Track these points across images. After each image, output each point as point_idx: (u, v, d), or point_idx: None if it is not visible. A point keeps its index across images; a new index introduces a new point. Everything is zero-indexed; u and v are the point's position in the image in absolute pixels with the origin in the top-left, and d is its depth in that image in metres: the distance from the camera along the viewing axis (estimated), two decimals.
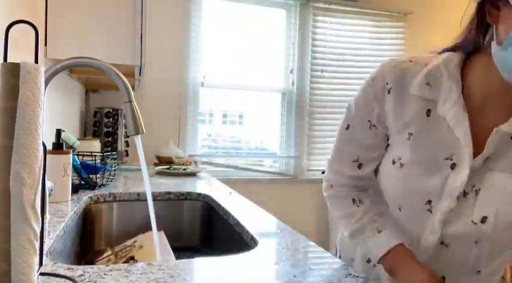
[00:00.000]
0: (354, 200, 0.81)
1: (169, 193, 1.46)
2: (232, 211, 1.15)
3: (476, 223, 0.68)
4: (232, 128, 3.27)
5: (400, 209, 0.76)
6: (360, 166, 0.81)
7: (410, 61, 0.74)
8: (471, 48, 0.69)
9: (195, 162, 2.52)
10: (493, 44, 0.63)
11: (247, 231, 0.96)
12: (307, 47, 3.19)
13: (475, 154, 0.68)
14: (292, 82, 3.18)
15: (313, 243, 0.86)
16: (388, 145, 0.78)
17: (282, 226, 1.03)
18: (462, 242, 0.72)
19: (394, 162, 0.74)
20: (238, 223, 1.05)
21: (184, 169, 2.13)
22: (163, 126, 2.79)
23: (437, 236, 0.72)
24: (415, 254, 0.73)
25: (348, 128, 0.82)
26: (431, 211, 0.72)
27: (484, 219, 0.67)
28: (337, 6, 3.28)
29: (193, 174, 2.08)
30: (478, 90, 0.68)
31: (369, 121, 0.77)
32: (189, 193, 1.47)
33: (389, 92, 0.73)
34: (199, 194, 1.47)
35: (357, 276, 0.68)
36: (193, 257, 1.25)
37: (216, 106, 3.14)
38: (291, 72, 3.17)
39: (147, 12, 1.72)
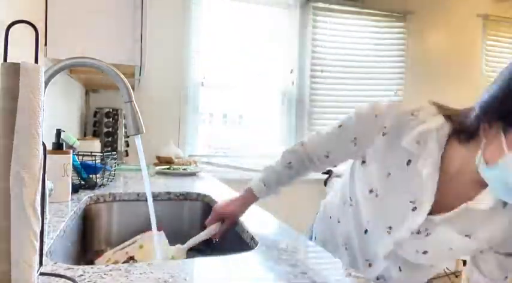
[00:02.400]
0: (292, 167, 1.03)
1: (169, 193, 1.46)
2: None
3: (418, 252, 0.89)
4: (232, 128, 3.26)
5: (368, 222, 0.95)
6: (326, 159, 0.99)
7: (412, 115, 0.84)
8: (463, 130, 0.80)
9: (195, 162, 2.52)
10: (480, 157, 0.74)
11: (247, 231, 0.96)
12: (307, 47, 3.20)
13: (437, 209, 0.83)
14: (292, 82, 3.18)
15: (312, 243, 0.86)
16: (363, 161, 0.93)
17: (282, 226, 1.03)
18: (400, 263, 0.94)
19: (371, 191, 0.91)
20: (238, 223, 1.05)
21: (184, 169, 2.13)
22: (163, 126, 2.79)
23: (388, 252, 0.92)
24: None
25: (340, 127, 0.95)
26: (390, 233, 0.91)
27: (425, 252, 0.88)
28: (337, 6, 3.28)
29: (193, 174, 2.08)
30: (456, 162, 0.81)
31: (355, 138, 0.92)
32: (189, 193, 1.47)
33: (383, 135, 0.86)
34: (199, 194, 1.47)
35: (357, 276, 0.68)
36: (193, 257, 1.26)
37: (216, 106, 3.14)
38: (291, 72, 3.17)
39: (147, 12, 1.72)
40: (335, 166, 1.06)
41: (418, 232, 0.86)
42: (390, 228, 0.90)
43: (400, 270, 0.95)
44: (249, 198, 1.07)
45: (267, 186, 1.04)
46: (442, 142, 0.81)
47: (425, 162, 0.81)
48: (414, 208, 0.84)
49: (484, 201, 0.79)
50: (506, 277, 0.89)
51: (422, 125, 0.82)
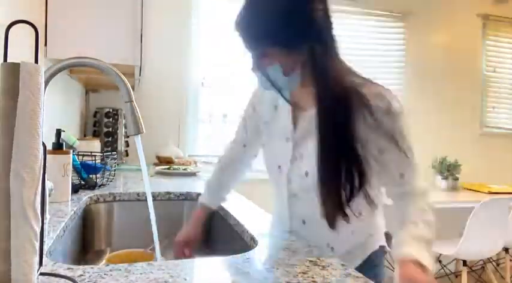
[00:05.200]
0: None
1: (169, 193, 1.46)
2: (232, 211, 1.15)
3: (303, 177, 0.94)
4: (232, 128, 3.26)
5: (269, 171, 1.06)
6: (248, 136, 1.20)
7: None
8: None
9: (195, 162, 2.52)
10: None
11: (247, 231, 0.96)
12: None
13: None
14: None
15: (312, 243, 0.86)
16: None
17: (282, 226, 1.02)
18: (302, 194, 0.97)
19: (263, 145, 1.09)
20: (238, 223, 1.05)
21: (184, 169, 2.13)
22: (164, 126, 2.79)
23: (286, 190, 0.99)
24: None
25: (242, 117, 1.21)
26: (281, 173, 1.00)
27: (306, 173, 0.93)
28: (337, 6, 3.28)
29: (193, 174, 2.08)
30: (298, 93, 0.96)
31: (254, 108, 1.15)
32: (189, 193, 1.47)
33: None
34: (199, 194, 1.46)
35: (357, 276, 0.68)
36: (193, 257, 1.25)
37: (216, 106, 3.14)
38: None
39: (147, 13, 1.72)
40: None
41: (296, 159, 0.96)
42: (279, 167, 1.00)
43: (304, 223, 1.00)
44: (198, 213, 1.23)
45: (207, 186, 1.23)
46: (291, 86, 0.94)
47: (282, 102, 1.00)
48: (287, 139, 0.98)
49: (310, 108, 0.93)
50: (402, 175, 0.90)
51: None
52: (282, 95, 0.94)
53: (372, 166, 0.90)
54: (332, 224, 0.90)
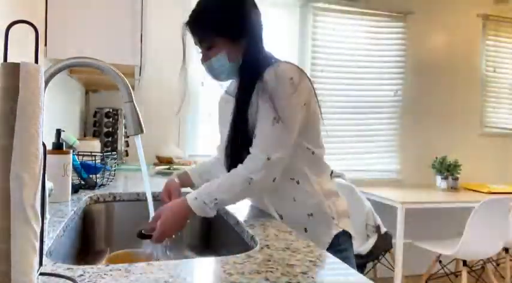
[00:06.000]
0: None
1: None
2: (232, 211, 1.15)
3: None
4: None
5: None
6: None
7: None
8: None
9: (195, 162, 2.52)
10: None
11: (247, 231, 0.96)
12: (307, 47, 3.20)
13: None
14: None
15: (312, 243, 0.86)
16: None
17: (282, 226, 1.02)
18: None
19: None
20: (238, 223, 1.05)
21: None
22: (163, 126, 2.79)
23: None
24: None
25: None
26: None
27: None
28: (337, 6, 3.28)
29: None
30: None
31: None
32: (188, 193, 1.47)
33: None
34: None
35: (357, 277, 0.68)
36: (193, 257, 1.25)
37: (216, 106, 3.13)
38: None
39: (146, 12, 1.72)
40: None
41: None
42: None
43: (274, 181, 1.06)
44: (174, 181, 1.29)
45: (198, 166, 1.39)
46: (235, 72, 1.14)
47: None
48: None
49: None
50: (255, 135, 1.07)
51: None
52: (221, 85, 1.21)
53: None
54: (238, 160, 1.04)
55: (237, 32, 1.09)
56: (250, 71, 1.07)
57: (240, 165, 1.04)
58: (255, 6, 1.13)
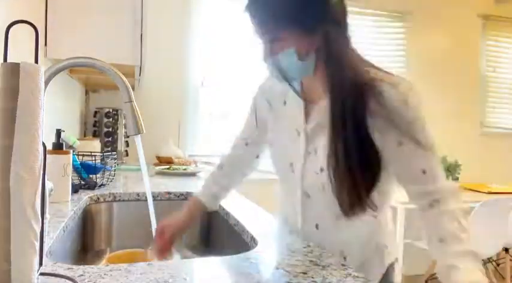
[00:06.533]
0: None
1: (169, 193, 1.46)
2: (232, 211, 1.15)
3: (317, 173, 0.88)
4: (233, 128, 3.25)
5: (277, 173, 1.02)
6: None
7: None
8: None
9: (195, 162, 2.52)
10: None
11: (247, 231, 0.96)
12: None
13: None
14: None
15: (312, 243, 0.86)
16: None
17: (282, 226, 1.02)
18: (316, 192, 0.91)
19: (271, 145, 1.02)
20: (238, 223, 1.05)
21: (184, 169, 2.13)
22: (163, 126, 2.79)
23: (299, 189, 0.93)
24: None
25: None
26: (293, 171, 0.94)
27: (321, 169, 0.87)
28: None
29: (193, 174, 2.08)
30: (309, 85, 0.93)
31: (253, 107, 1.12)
32: (189, 193, 1.47)
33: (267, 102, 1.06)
34: None
35: (357, 276, 0.68)
36: (193, 257, 1.25)
37: (216, 106, 3.14)
38: None
39: (146, 12, 1.72)
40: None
41: (309, 154, 0.91)
42: (291, 164, 0.95)
43: (317, 228, 0.93)
44: (191, 206, 1.13)
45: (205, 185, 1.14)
46: (306, 72, 0.90)
47: (292, 95, 0.95)
48: (298, 133, 0.93)
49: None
50: (424, 171, 0.82)
51: None
52: (292, 87, 0.90)
53: (390, 161, 0.83)
54: (350, 215, 0.83)
55: (315, 24, 0.82)
56: (348, 77, 0.82)
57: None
58: None
